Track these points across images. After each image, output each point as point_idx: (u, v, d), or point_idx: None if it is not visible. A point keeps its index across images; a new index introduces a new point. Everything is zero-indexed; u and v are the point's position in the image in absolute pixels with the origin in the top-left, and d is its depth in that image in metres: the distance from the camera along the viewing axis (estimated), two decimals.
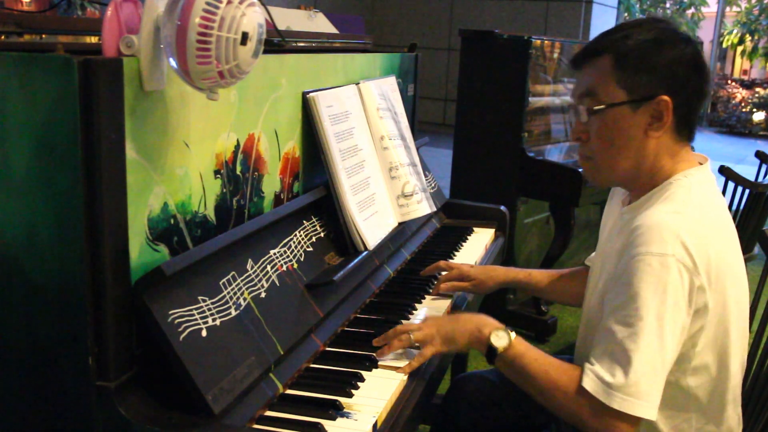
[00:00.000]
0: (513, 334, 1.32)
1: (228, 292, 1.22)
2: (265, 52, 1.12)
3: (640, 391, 1.18)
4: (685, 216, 1.24)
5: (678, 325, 1.21)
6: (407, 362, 1.37)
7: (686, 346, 1.25)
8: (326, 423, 1.16)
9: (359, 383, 1.30)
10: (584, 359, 1.28)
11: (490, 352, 1.32)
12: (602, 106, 1.30)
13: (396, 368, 1.35)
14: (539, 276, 1.81)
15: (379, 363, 1.37)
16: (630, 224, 1.27)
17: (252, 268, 1.32)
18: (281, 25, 1.68)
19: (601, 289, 1.37)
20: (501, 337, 1.31)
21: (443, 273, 1.83)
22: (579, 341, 1.51)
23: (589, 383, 1.22)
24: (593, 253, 1.69)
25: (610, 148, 1.33)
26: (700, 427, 1.32)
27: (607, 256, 1.39)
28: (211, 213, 1.29)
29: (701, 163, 1.35)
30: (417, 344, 1.39)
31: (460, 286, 1.79)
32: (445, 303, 1.74)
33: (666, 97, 1.27)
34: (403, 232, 1.98)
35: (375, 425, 1.18)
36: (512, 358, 1.30)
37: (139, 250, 1.10)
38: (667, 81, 1.27)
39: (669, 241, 1.19)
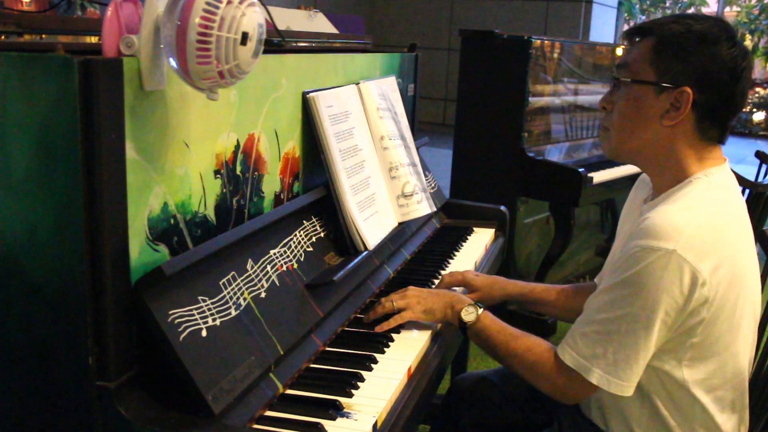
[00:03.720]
0: (481, 310, 1.47)
1: (228, 292, 1.22)
2: (265, 52, 1.12)
3: (618, 372, 1.25)
4: (696, 211, 1.25)
5: (670, 317, 1.22)
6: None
7: (682, 337, 1.26)
8: (326, 423, 1.16)
9: (359, 383, 1.30)
10: None
11: (462, 324, 1.48)
12: (629, 80, 1.34)
13: (375, 330, 1.50)
14: (541, 291, 1.79)
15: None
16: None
17: (252, 268, 1.32)
18: (281, 25, 1.68)
19: None
20: (470, 312, 1.47)
21: (445, 274, 1.81)
22: None
23: (568, 358, 1.30)
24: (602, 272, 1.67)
25: (625, 121, 1.36)
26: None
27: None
28: (211, 213, 1.29)
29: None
30: (399, 310, 1.53)
31: None
32: None
33: (689, 90, 1.28)
34: (403, 232, 1.98)
35: (375, 425, 1.18)
36: (478, 331, 1.46)
37: (139, 250, 1.10)
38: (697, 76, 1.28)
39: (673, 236, 1.20)
